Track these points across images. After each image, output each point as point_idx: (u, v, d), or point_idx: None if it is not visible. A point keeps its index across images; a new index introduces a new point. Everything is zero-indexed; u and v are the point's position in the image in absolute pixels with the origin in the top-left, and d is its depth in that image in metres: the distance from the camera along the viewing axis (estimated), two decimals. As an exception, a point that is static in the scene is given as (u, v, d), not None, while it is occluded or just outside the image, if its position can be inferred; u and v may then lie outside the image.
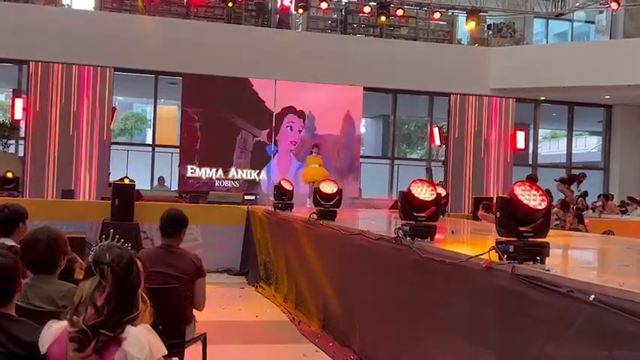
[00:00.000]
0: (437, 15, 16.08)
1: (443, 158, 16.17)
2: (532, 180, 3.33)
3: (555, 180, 12.88)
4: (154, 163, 15.33)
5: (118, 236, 2.53)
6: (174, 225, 4.27)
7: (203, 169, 14.28)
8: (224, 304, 7.18)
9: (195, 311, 4.31)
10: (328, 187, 6.61)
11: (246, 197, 11.66)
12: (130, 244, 2.54)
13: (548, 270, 2.88)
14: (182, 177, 14.19)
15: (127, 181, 10.40)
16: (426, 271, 3.87)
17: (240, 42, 14.45)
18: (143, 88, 17.05)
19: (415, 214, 4.21)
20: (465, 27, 16.08)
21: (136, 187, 10.14)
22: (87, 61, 13.50)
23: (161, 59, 14.08)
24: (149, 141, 17.80)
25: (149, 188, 14.49)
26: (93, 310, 2.34)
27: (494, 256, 3.15)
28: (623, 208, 14.12)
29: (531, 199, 3.07)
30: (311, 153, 13.26)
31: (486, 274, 3.17)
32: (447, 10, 16.27)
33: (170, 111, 20.05)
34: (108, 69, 13.62)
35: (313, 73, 14.57)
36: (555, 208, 10.28)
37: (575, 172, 15.75)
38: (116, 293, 2.33)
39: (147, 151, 15.79)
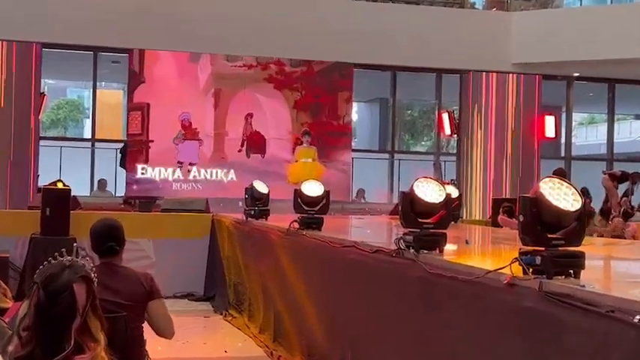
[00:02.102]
0: (444, -27, 16.17)
1: (455, 151, 16.24)
2: (560, 175, 3.36)
3: (603, 172, 13.00)
4: (94, 162, 15.25)
5: (85, 252, 2.52)
6: (117, 239, 4.24)
7: (157, 169, 14.19)
8: (185, 337, 7.15)
9: (148, 348, 4.30)
10: (312, 189, 6.62)
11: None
12: (92, 266, 2.53)
13: (583, 286, 2.91)
14: (129, 179, 14.11)
15: (60, 185, 10.34)
16: (434, 290, 3.90)
17: (198, 10, 14.36)
18: (79, 69, 16.95)
19: (420, 221, 4.24)
20: (480, -13, 16.19)
21: (72, 193, 10.09)
22: (6, 36, 13.40)
23: (101, 31, 13.98)
24: (87, 135, 17.72)
25: (88, 194, 14.43)
26: (17, 340, 2.33)
27: (517, 270, 3.18)
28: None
29: (562, 198, 3.10)
30: (300, 143, 12.65)
31: (508, 292, 3.21)
32: (456, -33, 16.36)
33: (113, 97, 20.00)
34: (33, 45, 13.52)
35: (291, 48, 14.53)
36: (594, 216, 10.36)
37: (617, 166, 15.88)
38: (34, 322, 2.33)
39: (85, 147, 15.71)
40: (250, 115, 14.34)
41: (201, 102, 14.23)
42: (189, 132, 14.08)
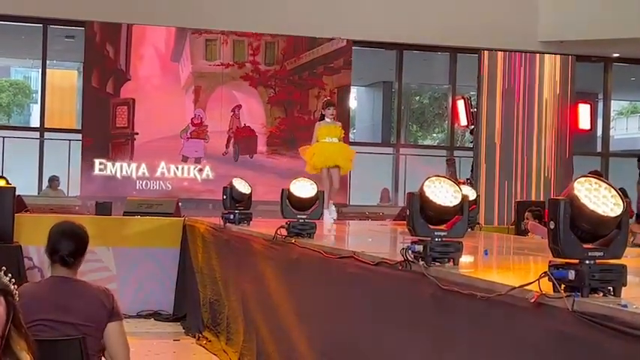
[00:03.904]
0: None
1: (471, 145, 16.27)
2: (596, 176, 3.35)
3: None
4: (43, 155, 15.23)
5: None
6: (75, 248, 4.21)
7: (118, 165, 14.25)
8: (150, 363, 7.18)
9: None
10: (303, 189, 6.62)
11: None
12: (11, 277, 2.52)
13: (625, 306, 2.91)
14: (86, 176, 14.15)
15: (2, 183, 10.36)
16: (448, 309, 3.90)
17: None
18: (25, 45, 16.92)
19: (431, 227, 4.24)
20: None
21: (17, 192, 10.08)
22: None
23: (52, 1, 13.98)
24: (35, 123, 17.68)
25: (36, 193, 14.42)
26: None
27: (546, 286, 3.18)
28: None
29: (600, 201, 3.10)
30: (322, 117, 10.91)
31: (535, 312, 3.20)
32: None
33: (66, 78, 19.97)
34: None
35: (278, 22, 14.54)
36: (632, 222, 10.38)
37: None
38: None
39: (32, 138, 15.69)
40: (239, 106, 15.64)
41: (182, 98, 15.64)
42: (198, 130, 15.54)
